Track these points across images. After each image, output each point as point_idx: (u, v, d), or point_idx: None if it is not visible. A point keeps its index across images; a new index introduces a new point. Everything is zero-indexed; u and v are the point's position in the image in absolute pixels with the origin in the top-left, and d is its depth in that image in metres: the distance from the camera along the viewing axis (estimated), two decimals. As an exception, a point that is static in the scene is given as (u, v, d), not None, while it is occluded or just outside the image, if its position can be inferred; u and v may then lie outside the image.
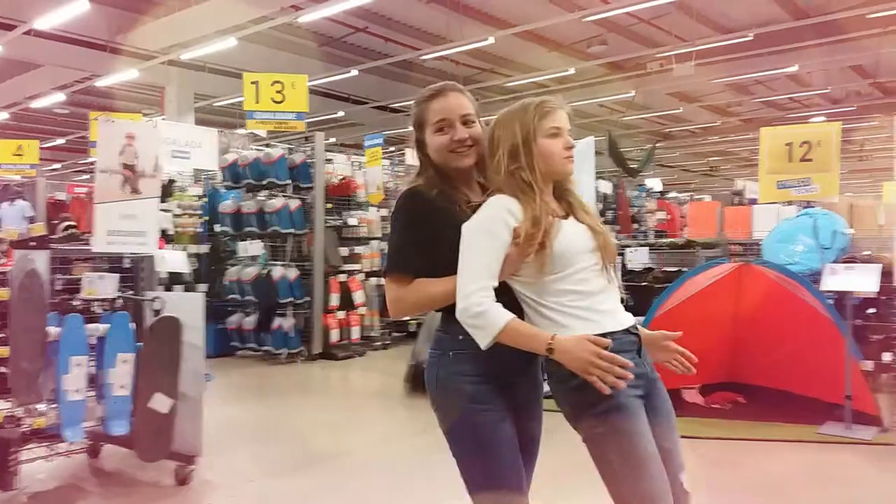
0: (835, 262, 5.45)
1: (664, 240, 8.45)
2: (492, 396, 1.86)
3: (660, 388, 1.87)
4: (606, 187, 11.85)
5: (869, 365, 5.20)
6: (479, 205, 1.87)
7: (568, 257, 1.78)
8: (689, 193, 18.99)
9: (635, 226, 12.46)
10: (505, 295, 1.79)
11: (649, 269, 7.26)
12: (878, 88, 16.23)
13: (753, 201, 9.55)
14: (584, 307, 1.78)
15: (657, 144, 16.68)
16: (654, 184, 14.59)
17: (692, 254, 7.07)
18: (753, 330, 5.29)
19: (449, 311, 1.85)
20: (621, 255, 7.42)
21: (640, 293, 6.78)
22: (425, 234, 1.90)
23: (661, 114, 18.52)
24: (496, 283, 1.77)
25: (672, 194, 15.66)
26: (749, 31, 11.53)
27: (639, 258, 7.22)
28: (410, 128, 2.06)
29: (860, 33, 11.72)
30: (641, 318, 2.19)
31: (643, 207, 13.32)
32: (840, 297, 5.09)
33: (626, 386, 1.68)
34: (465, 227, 1.81)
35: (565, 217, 1.85)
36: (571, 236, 1.80)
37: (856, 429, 4.68)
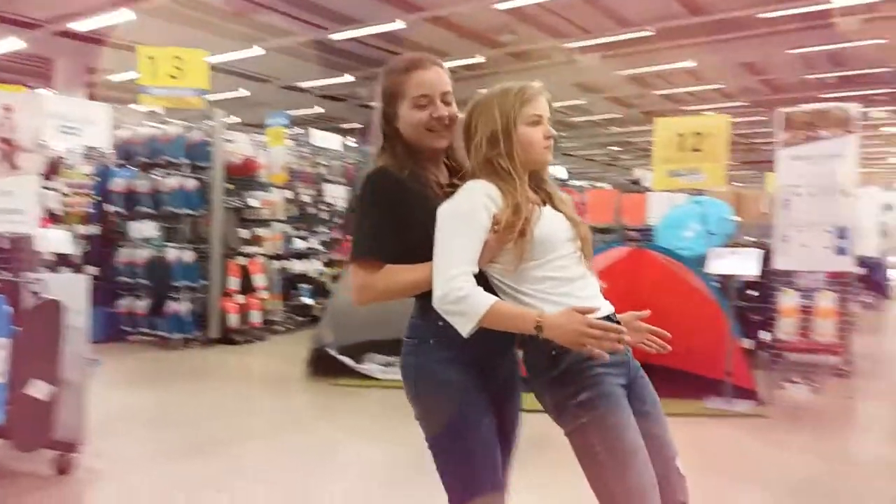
0: (721, 247, 5.78)
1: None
2: (475, 385, 1.80)
3: (642, 375, 1.83)
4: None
5: (749, 343, 5.55)
6: (453, 188, 1.82)
7: (548, 244, 1.74)
8: (590, 181, 19.60)
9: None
10: (480, 283, 1.71)
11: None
12: (767, 85, 17.21)
13: (649, 189, 9.97)
14: (564, 293, 1.73)
15: (559, 134, 17.07)
16: (558, 171, 14.97)
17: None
18: (646, 311, 5.51)
19: (425, 297, 1.77)
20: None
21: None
22: (396, 217, 1.80)
23: (565, 104, 18.97)
24: (476, 270, 1.70)
25: (574, 182, 16.12)
26: (650, 26, 11.96)
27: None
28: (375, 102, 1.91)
29: (750, 32, 12.39)
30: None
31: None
32: (724, 280, 5.40)
33: (611, 375, 1.68)
34: (443, 212, 1.73)
35: (543, 205, 1.81)
36: (552, 224, 1.77)
37: (735, 402, 4.99)
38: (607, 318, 1.73)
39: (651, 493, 1.64)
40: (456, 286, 1.65)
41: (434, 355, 1.80)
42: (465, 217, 1.71)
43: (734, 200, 7.02)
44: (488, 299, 1.65)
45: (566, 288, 1.74)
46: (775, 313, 5.18)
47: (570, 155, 27.51)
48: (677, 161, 6.16)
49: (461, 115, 1.88)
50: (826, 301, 4.95)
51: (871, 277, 9.67)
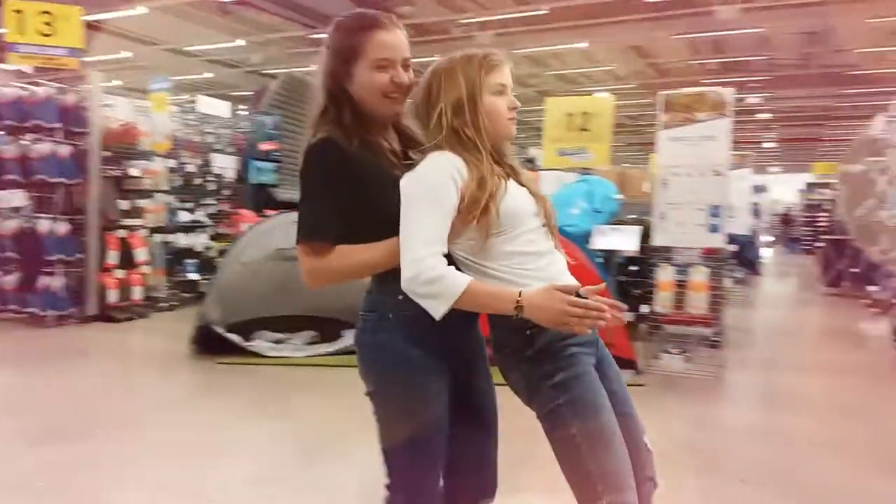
0: (606, 224, 6.00)
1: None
2: (436, 363, 1.72)
3: (606, 353, 1.79)
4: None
5: (630, 316, 5.81)
6: (409, 158, 1.74)
7: (515, 218, 1.66)
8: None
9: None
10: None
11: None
12: (654, 68, 17.93)
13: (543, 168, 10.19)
14: (533, 269, 1.66)
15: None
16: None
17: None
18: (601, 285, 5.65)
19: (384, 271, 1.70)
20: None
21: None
22: (346, 193, 1.67)
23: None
24: (446, 250, 1.59)
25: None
26: (545, 5, 12.15)
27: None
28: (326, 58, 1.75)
29: (640, 16, 12.83)
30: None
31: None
32: (608, 256, 5.61)
33: (585, 354, 1.64)
34: (409, 186, 1.62)
35: (507, 178, 1.72)
36: (517, 197, 1.69)
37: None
38: (577, 294, 1.61)
39: (628, 476, 1.58)
40: (427, 266, 1.54)
41: (395, 332, 1.71)
42: (434, 192, 1.59)
43: (619, 179, 7.27)
44: (463, 279, 1.55)
45: (535, 263, 1.67)
46: (653, 287, 5.44)
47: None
48: (566, 140, 6.32)
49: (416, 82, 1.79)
50: (699, 276, 5.24)
51: (742, 254, 10.31)
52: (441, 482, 1.79)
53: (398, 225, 1.62)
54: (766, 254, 19.81)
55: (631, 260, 6.59)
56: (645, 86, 18.75)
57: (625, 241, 5.34)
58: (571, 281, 1.69)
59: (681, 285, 5.42)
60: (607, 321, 1.51)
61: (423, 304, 1.56)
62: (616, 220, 6.48)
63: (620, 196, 6.86)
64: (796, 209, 22.84)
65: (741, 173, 9.77)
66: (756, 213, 14.71)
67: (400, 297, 1.62)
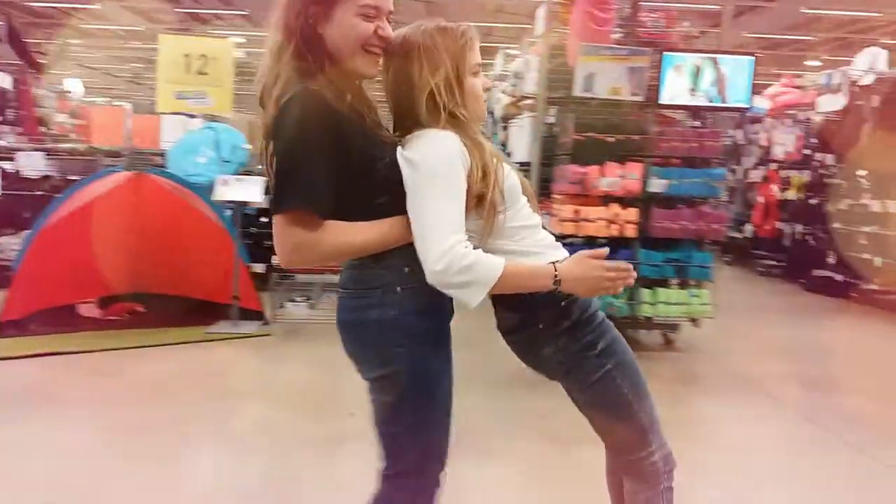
0: (232, 175, 5.83)
1: (64, 145, 7.73)
2: (444, 337, 1.62)
3: None
4: (5, 81, 10.15)
5: (260, 267, 5.79)
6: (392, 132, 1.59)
7: (514, 194, 1.60)
8: (112, 99, 17.87)
9: (43, 129, 11.09)
10: None
11: (47, 177, 6.57)
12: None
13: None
14: (536, 242, 1.62)
15: (69, 40, 15.05)
16: (74, 85, 13.19)
17: (94, 162, 6.64)
18: (153, 240, 5.29)
19: None
20: (11, 160, 6.52)
21: (33, 203, 6.11)
22: (338, 160, 1.44)
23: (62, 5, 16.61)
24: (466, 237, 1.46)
25: (93, 99, 14.45)
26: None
27: (34, 164, 6.45)
28: None
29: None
30: None
31: (54, 108, 11.93)
32: (238, 208, 5.47)
33: (598, 308, 1.65)
34: (417, 171, 1.47)
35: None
36: (510, 173, 1.61)
37: (242, 324, 5.19)
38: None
39: (656, 410, 1.70)
40: (459, 254, 1.42)
41: (404, 305, 1.54)
42: (448, 176, 1.47)
43: (248, 129, 7.12)
44: (499, 262, 1.46)
45: (536, 236, 1.63)
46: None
47: (90, 68, 24.53)
48: (184, 83, 5.95)
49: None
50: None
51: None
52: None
53: (386, 202, 1.51)
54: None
55: (262, 211, 6.55)
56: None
57: (249, 192, 5.26)
58: (563, 251, 1.66)
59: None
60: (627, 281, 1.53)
61: (458, 293, 1.45)
62: (246, 170, 6.35)
63: (250, 146, 6.73)
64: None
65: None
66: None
67: (406, 269, 1.53)
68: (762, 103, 9.25)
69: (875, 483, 3.09)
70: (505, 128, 7.07)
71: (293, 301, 5.56)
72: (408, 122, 1.57)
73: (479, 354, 3.67)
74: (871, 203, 7.06)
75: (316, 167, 1.44)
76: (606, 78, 4.70)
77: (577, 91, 4.75)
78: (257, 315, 5.39)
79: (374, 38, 1.54)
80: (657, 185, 4.88)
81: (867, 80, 7.22)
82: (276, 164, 1.45)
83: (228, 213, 5.48)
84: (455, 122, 1.54)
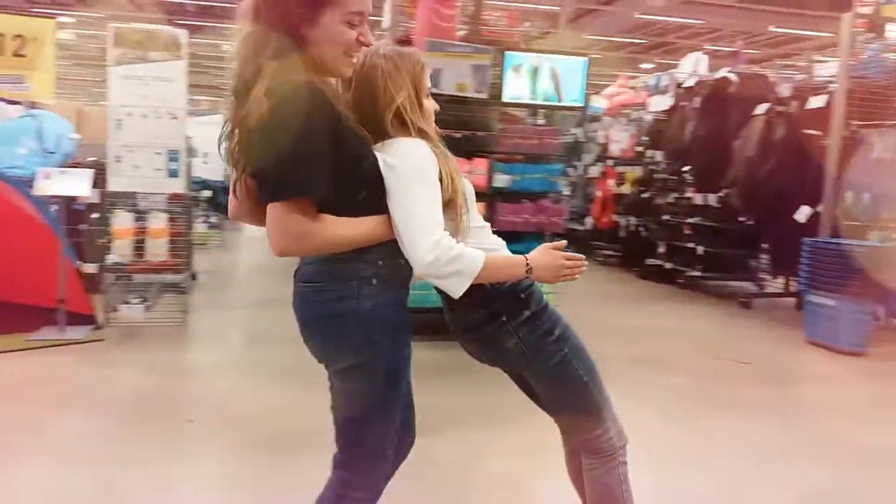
0: (59, 167, 5.36)
1: None
2: (410, 328, 1.69)
3: None
4: None
5: (92, 267, 5.38)
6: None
7: (471, 198, 1.75)
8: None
9: None
10: None
11: None
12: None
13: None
14: (492, 241, 1.78)
15: None
16: None
17: None
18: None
19: None
20: None
21: None
22: (335, 153, 1.50)
23: None
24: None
25: None
26: None
27: None
28: None
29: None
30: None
31: None
32: (63, 203, 5.03)
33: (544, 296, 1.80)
34: (398, 169, 1.59)
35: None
36: (465, 181, 1.75)
37: (70, 330, 4.80)
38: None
39: (606, 390, 1.83)
40: (447, 246, 1.54)
41: (381, 297, 1.62)
42: (428, 175, 1.60)
43: (77, 117, 6.59)
44: (479, 254, 1.59)
45: (490, 235, 1.79)
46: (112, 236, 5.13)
47: None
48: (-3, 65, 5.40)
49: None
50: (158, 221, 5.12)
51: (217, 200, 10.54)
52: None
53: (368, 197, 1.60)
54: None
55: (93, 207, 6.07)
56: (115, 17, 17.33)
57: (75, 186, 4.86)
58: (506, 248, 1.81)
59: (143, 232, 5.22)
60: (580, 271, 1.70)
61: (446, 283, 1.58)
62: (73, 163, 5.87)
63: (77, 136, 6.23)
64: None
65: (212, 119, 9.89)
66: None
67: (380, 262, 1.61)
68: (600, 103, 9.82)
69: (698, 450, 3.37)
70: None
71: (128, 303, 5.20)
72: (373, 135, 1.67)
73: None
74: (694, 196, 7.69)
75: (319, 158, 1.49)
76: (452, 74, 4.78)
77: (424, 86, 4.79)
78: (88, 319, 5.01)
79: (356, 46, 1.61)
80: (501, 181, 5.04)
81: (690, 82, 7.85)
82: (277, 153, 1.46)
83: (54, 208, 5.05)
84: (423, 135, 1.67)
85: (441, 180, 1.62)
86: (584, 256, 1.71)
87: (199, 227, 9.87)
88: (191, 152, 6.99)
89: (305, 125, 1.46)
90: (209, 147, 11.11)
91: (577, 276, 1.68)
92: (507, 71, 5.04)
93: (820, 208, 6.15)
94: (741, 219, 7.27)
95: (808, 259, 5.60)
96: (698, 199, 7.66)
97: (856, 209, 5.86)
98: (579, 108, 5.75)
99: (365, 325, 1.61)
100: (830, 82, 6.40)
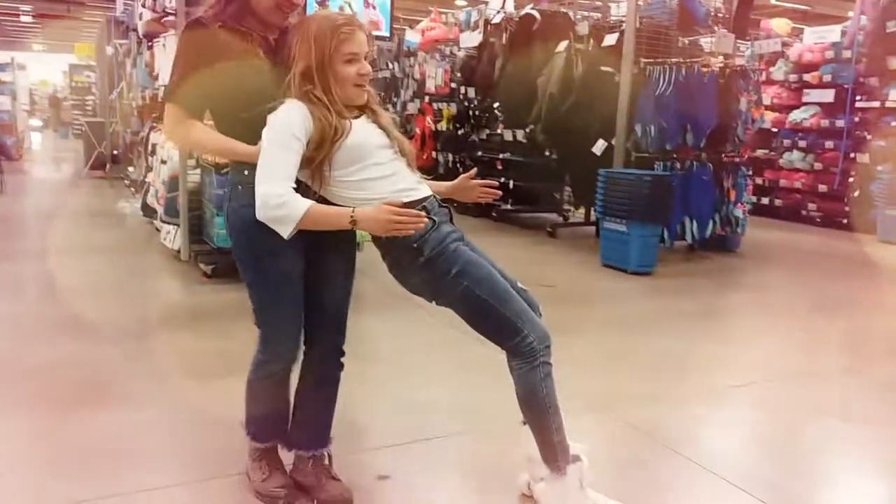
0: None
1: None
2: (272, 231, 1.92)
3: (470, 241, 2.13)
4: None
5: None
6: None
7: (362, 151, 1.96)
8: None
9: None
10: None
11: None
12: None
13: None
14: (380, 191, 1.97)
15: None
16: None
17: None
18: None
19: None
20: None
21: None
22: (207, 70, 1.94)
23: None
24: (293, 184, 1.87)
25: None
26: None
27: None
28: None
29: None
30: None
31: None
32: None
33: (460, 242, 2.05)
34: (267, 131, 1.89)
35: (357, 117, 2.01)
36: (362, 134, 1.97)
37: None
38: (424, 199, 2.03)
39: (525, 306, 2.07)
40: (275, 194, 1.83)
41: (244, 200, 1.96)
42: (284, 137, 1.87)
43: None
44: (304, 203, 1.84)
45: (386, 186, 1.98)
46: None
47: None
48: None
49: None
50: None
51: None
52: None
53: (243, 104, 1.94)
54: (32, 138, 18.59)
55: None
56: None
57: None
58: (422, 190, 2.06)
59: None
60: (424, 224, 1.90)
61: (274, 226, 1.85)
62: None
63: None
64: (62, 91, 21.99)
65: None
66: (12, 93, 13.51)
67: (245, 172, 1.96)
68: (414, 37, 9.76)
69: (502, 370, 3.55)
70: (150, 47, 6.42)
71: None
72: (286, 89, 1.95)
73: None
74: (504, 132, 7.95)
75: (186, 75, 1.98)
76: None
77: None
78: None
79: (286, 2, 2.00)
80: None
81: (497, 18, 8.00)
82: (172, 73, 2.03)
83: None
84: (308, 99, 1.90)
85: (310, 141, 1.89)
86: (424, 215, 1.92)
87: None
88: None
89: (185, 53, 2.02)
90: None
91: (410, 231, 1.87)
92: (313, 2, 4.82)
93: (614, 141, 6.61)
94: (546, 153, 7.64)
95: (602, 189, 6.02)
96: (508, 135, 7.93)
97: (643, 141, 6.37)
98: (383, 38, 5.64)
99: (232, 222, 2.05)
100: (622, 21, 6.81)
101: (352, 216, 1.86)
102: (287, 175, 1.85)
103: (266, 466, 2.24)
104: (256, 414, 2.23)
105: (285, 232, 1.84)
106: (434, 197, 2.08)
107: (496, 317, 2.01)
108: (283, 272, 2.02)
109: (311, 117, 1.88)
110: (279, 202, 1.82)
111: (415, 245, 1.97)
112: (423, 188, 2.07)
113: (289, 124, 1.88)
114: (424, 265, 2.00)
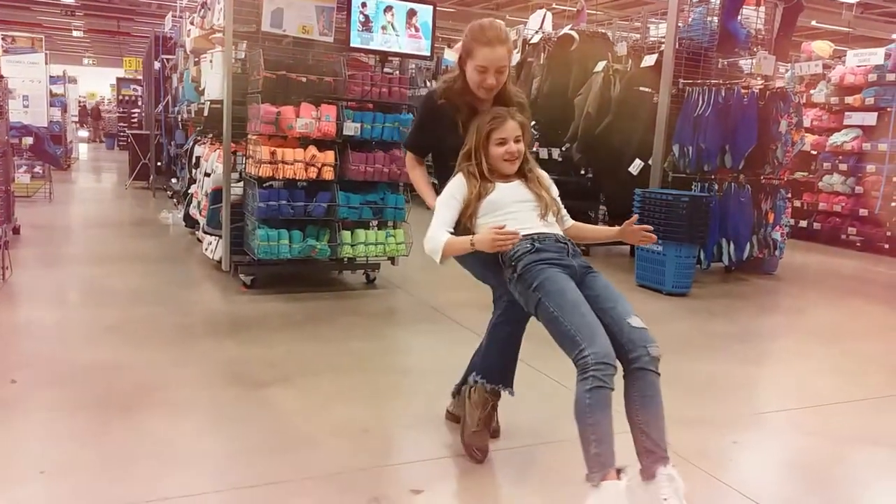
0: None
1: None
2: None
3: (592, 272, 2.49)
4: None
5: None
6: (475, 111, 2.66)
7: (496, 206, 2.52)
8: None
9: None
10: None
11: None
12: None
13: None
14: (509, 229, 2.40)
15: None
16: None
17: None
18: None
19: None
20: None
21: None
22: (429, 130, 2.78)
23: None
24: (449, 229, 2.51)
25: None
26: None
27: None
28: None
29: None
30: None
31: None
32: None
33: (550, 264, 2.38)
34: (441, 193, 2.62)
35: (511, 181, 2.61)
36: (501, 193, 2.54)
37: None
38: (538, 234, 2.47)
39: (597, 330, 2.23)
40: (431, 236, 2.49)
41: None
42: (448, 199, 2.56)
43: None
44: (444, 237, 2.47)
45: (511, 225, 2.41)
46: None
47: None
48: None
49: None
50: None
51: (42, 148, 9.63)
52: None
53: (448, 155, 2.66)
54: (79, 148, 19.12)
55: None
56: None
57: None
58: (541, 227, 2.51)
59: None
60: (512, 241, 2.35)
61: (433, 256, 2.48)
62: None
63: None
64: (109, 103, 22.56)
65: (30, 57, 8.93)
66: (62, 105, 13.91)
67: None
68: (452, 56, 9.87)
69: (538, 386, 3.57)
70: (197, 62, 6.60)
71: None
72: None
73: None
74: (539, 150, 7.97)
75: (413, 127, 2.94)
76: (295, 14, 4.61)
77: (265, 26, 4.58)
78: None
79: (482, 90, 2.60)
80: (351, 129, 4.96)
81: (535, 38, 8.06)
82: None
83: None
84: (466, 172, 2.56)
85: (464, 200, 2.53)
86: (518, 232, 2.37)
87: (22, 178, 8.98)
88: (4, 93, 6.28)
89: (417, 112, 2.94)
90: (29, 89, 10.10)
91: (509, 245, 2.34)
92: (355, 15, 4.91)
93: (650, 161, 6.59)
94: (582, 172, 7.64)
95: (638, 209, 6.01)
96: (543, 153, 7.95)
97: (681, 162, 6.34)
98: (426, 57, 5.73)
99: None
100: (661, 42, 6.81)
101: (472, 241, 2.42)
102: (443, 223, 2.53)
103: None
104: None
105: (436, 259, 2.47)
106: (556, 235, 2.51)
107: (561, 328, 2.28)
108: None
109: (466, 185, 2.55)
110: (428, 239, 2.50)
111: (512, 263, 2.45)
112: (544, 228, 2.52)
113: (451, 190, 2.58)
114: (517, 279, 2.44)
